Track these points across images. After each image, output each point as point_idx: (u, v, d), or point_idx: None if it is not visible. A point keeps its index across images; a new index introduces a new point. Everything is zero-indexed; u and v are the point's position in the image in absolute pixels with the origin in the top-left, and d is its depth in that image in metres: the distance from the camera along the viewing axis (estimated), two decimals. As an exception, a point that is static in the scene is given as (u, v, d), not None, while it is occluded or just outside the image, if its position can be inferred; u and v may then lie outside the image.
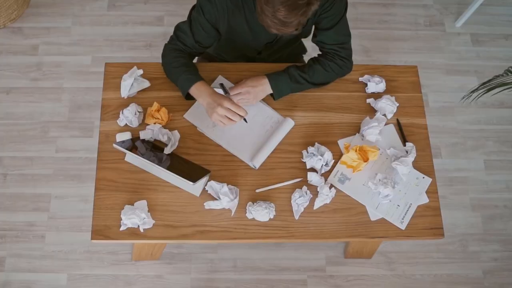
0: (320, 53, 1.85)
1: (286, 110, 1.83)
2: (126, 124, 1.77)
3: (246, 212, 1.67)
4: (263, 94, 1.77)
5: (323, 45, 1.80)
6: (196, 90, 1.70)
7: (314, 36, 1.82)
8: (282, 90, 1.78)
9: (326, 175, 1.75)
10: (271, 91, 1.78)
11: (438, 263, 2.39)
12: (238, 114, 1.66)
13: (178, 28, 1.76)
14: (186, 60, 1.74)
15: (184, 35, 1.74)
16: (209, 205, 1.66)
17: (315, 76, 1.79)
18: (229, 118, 1.66)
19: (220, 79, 1.86)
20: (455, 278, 2.37)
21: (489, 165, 2.60)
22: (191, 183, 1.52)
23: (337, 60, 1.79)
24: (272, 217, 1.66)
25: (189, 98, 1.76)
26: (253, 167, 1.73)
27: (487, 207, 2.51)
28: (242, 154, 1.75)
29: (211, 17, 1.68)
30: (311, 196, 1.70)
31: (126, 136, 1.72)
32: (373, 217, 1.71)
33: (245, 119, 1.72)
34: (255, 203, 1.66)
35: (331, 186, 1.73)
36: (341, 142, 1.80)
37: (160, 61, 1.82)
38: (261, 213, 1.64)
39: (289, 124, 1.78)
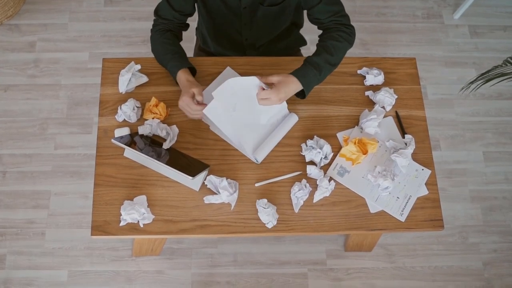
0: (321, 31, 1.81)
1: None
2: (124, 119, 1.77)
3: (256, 202, 1.67)
4: (289, 94, 1.66)
5: (320, 21, 1.78)
6: (177, 78, 1.74)
7: (308, 15, 1.81)
8: (311, 84, 1.69)
9: (325, 168, 1.75)
10: (299, 89, 1.67)
11: (438, 255, 2.40)
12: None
13: (156, 9, 1.81)
14: (173, 46, 1.77)
15: (164, 11, 1.78)
16: (209, 199, 1.65)
17: (334, 51, 1.71)
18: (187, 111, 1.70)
19: (229, 70, 1.85)
20: (455, 269, 2.38)
21: (488, 156, 2.60)
22: (190, 177, 1.51)
23: (342, 28, 1.75)
24: (269, 227, 1.65)
25: None
26: (256, 161, 1.73)
27: (487, 198, 2.52)
28: (245, 148, 1.72)
29: None
30: (311, 189, 1.70)
31: (125, 131, 1.72)
32: (372, 210, 1.71)
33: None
34: (268, 203, 1.65)
35: (331, 179, 1.73)
36: (340, 135, 1.80)
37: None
38: (264, 214, 1.63)
39: (294, 119, 1.77)
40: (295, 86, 1.67)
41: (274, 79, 1.65)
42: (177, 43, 1.81)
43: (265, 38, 1.94)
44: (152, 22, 1.84)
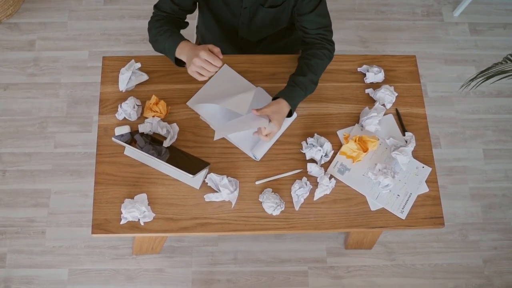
0: (305, 42, 1.81)
1: (284, 101, 1.82)
2: (124, 117, 1.77)
3: (259, 195, 1.68)
4: (284, 117, 1.68)
5: (307, 30, 1.78)
6: (179, 49, 1.67)
7: (297, 21, 1.81)
8: (297, 103, 1.72)
9: (325, 166, 1.75)
10: (288, 109, 1.70)
11: (438, 253, 2.40)
12: (214, 65, 1.60)
13: (156, 3, 1.80)
14: (169, 27, 1.73)
15: (163, 3, 1.77)
16: (209, 197, 1.65)
17: (318, 70, 1.75)
18: (204, 69, 1.60)
19: (226, 67, 1.85)
20: (455, 267, 2.38)
21: (488, 154, 2.60)
22: (190, 175, 1.52)
23: (326, 45, 1.77)
24: (274, 214, 1.66)
25: (180, 64, 1.72)
26: (254, 158, 1.73)
27: (486, 196, 2.52)
28: (244, 145, 1.74)
29: None
30: (311, 187, 1.70)
31: (125, 129, 1.71)
32: (373, 207, 1.71)
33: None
34: (273, 193, 1.66)
35: (331, 176, 1.73)
36: (341, 133, 1.80)
37: (161, 54, 1.81)
38: (268, 203, 1.63)
39: (292, 117, 1.78)
40: (286, 109, 1.69)
41: (267, 111, 1.64)
42: (173, 27, 1.76)
43: (260, 37, 1.94)
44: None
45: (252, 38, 1.93)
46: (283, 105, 1.67)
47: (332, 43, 1.80)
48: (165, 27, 1.74)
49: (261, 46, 1.99)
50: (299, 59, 1.78)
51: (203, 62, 1.59)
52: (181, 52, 1.67)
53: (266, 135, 1.65)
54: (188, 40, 1.70)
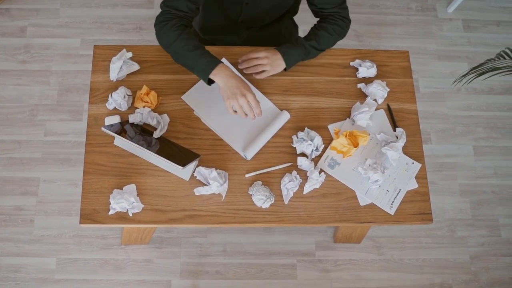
0: (319, 18, 1.88)
1: (276, 94, 1.82)
2: (115, 107, 1.75)
3: (249, 188, 1.68)
4: (279, 68, 1.78)
5: (323, 11, 1.83)
6: (216, 71, 1.65)
7: (310, 3, 1.84)
8: (293, 61, 1.79)
9: (316, 160, 1.75)
10: (284, 65, 1.78)
11: (426, 248, 2.41)
12: (254, 113, 1.67)
13: (166, 0, 1.71)
14: (197, 42, 1.68)
15: (177, 2, 1.68)
16: (199, 191, 1.65)
17: (322, 42, 1.81)
18: (243, 112, 1.66)
19: (224, 61, 1.84)
20: (443, 262, 2.39)
21: (478, 151, 2.61)
22: (180, 167, 1.51)
23: (338, 22, 1.82)
24: (264, 207, 1.66)
25: (210, 82, 1.69)
26: (245, 157, 1.72)
27: (476, 192, 2.53)
28: (236, 143, 1.74)
29: None
30: (301, 181, 1.70)
31: (115, 119, 1.70)
32: (362, 202, 1.71)
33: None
34: (262, 186, 1.66)
35: (321, 171, 1.73)
36: (331, 127, 1.79)
37: (153, 43, 1.80)
38: (258, 196, 1.63)
39: (285, 117, 1.77)
40: (281, 62, 1.77)
41: (262, 48, 1.75)
42: (197, 39, 1.71)
43: (262, 20, 1.92)
44: (160, 15, 1.71)
45: (254, 21, 1.91)
46: (278, 58, 1.76)
47: (345, 20, 1.84)
48: (193, 41, 1.67)
49: (255, 29, 1.96)
50: (311, 28, 1.85)
51: (247, 105, 1.64)
52: (218, 75, 1.65)
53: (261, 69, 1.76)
54: (222, 62, 1.67)
